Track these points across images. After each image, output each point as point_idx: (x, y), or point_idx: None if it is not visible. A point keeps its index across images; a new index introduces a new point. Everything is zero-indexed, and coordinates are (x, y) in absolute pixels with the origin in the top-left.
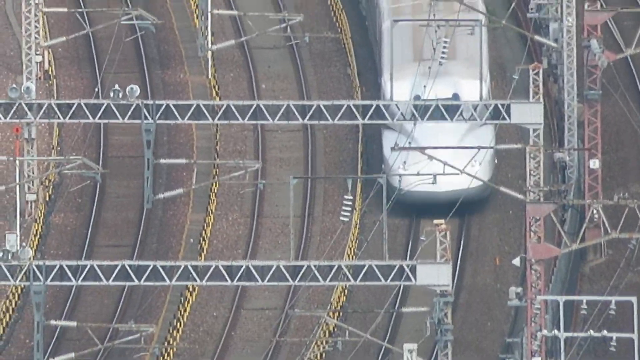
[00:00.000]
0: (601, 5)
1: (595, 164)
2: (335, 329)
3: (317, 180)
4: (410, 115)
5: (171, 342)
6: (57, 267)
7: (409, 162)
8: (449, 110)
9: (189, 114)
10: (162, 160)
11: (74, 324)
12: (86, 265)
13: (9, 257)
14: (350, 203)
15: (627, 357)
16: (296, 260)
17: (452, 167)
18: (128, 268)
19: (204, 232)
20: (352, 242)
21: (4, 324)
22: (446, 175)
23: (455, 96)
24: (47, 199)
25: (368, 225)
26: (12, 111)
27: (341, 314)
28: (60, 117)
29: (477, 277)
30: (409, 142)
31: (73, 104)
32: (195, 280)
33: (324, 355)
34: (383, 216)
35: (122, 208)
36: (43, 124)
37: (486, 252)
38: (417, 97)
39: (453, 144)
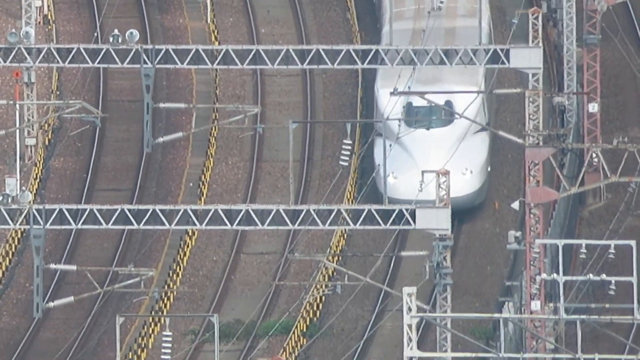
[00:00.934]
0: None
1: (594, 107)
2: (335, 273)
3: (316, 125)
4: (409, 60)
5: (171, 285)
6: (56, 211)
7: (398, 171)
8: (448, 55)
9: (188, 59)
10: (162, 105)
11: (73, 267)
12: (86, 209)
13: (9, 201)
14: (349, 147)
15: (626, 300)
16: (295, 205)
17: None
18: (127, 212)
19: (203, 176)
20: (351, 186)
21: (4, 268)
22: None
23: (448, 103)
24: (47, 143)
25: (367, 170)
26: (12, 56)
27: (340, 258)
28: (60, 61)
29: (476, 221)
30: (399, 149)
31: (72, 48)
32: (194, 224)
33: (323, 299)
34: (382, 161)
35: (122, 152)
36: (42, 69)
37: (485, 196)
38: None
39: (444, 152)
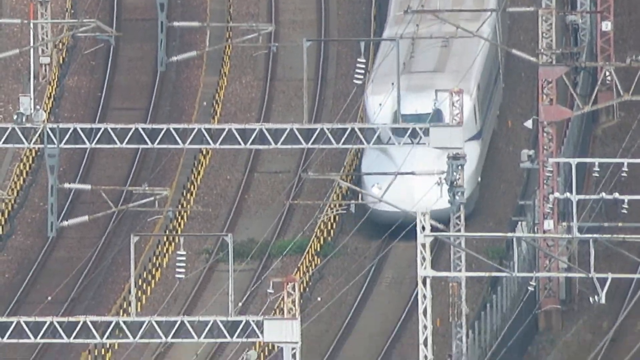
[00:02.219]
0: None
1: (607, 26)
2: (349, 192)
3: (330, 43)
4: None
5: (185, 205)
6: (70, 130)
7: (383, 182)
8: None
9: None
10: (176, 23)
11: (87, 187)
12: (100, 128)
13: (23, 120)
14: (363, 66)
15: (639, 219)
16: (309, 123)
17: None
18: (142, 131)
19: (217, 95)
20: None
21: (18, 187)
22: (419, 194)
23: (438, 112)
24: (61, 62)
25: None
26: None
27: (354, 177)
28: None
29: (489, 140)
30: (386, 158)
31: None
32: (208, 143)
33: (336, 218)
34: (396, 79)
35: (136, 71)
36: None
37: (499, 114)
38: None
39: (432, 162)
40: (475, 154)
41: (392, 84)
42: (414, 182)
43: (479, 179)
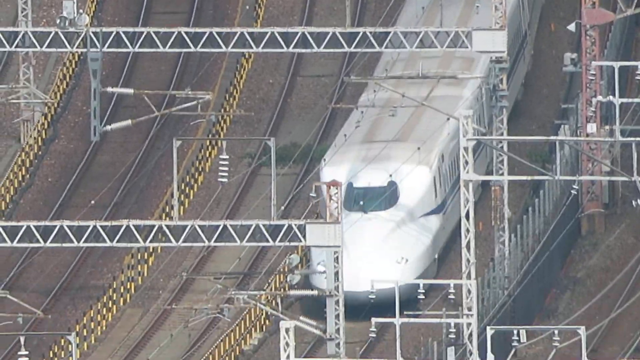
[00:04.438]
0: None
1: None
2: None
3: None
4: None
5: (227, 109)
6: (113, 34)
7: (328, 260)
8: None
9: None
10: None
11: (130, 91)
12: (143, 32)
13: (66, 24)
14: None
15: None
16: (352, 27)
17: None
18: (184, 35)
19: None
20: None
21: (62, 91)
22: (368, 273)
23: (392, 184)
24: None
25: None
26: None
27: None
28: None
29: (533, 44)
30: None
31: None
32: (251, 47)
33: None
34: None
35: None
36: None
37: (542, 18)
38: None
39: (381, 238)
40: (433, 229)
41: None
42: (360, 263)
43: (436, 256)
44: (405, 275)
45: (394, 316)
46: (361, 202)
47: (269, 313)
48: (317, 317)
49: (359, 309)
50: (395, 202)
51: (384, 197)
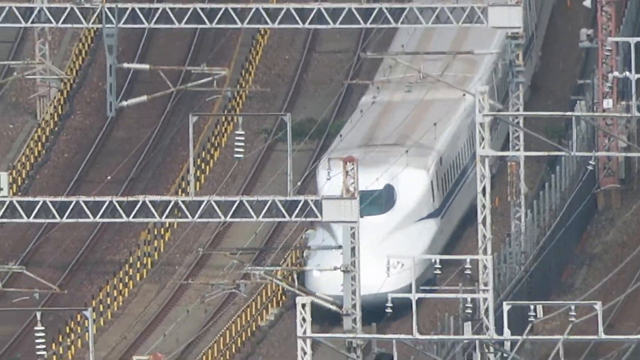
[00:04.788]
0: None
1: None
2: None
3: None
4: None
5: (243, 85)
6: (129, 10)
7: (324, 263)
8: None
9: None
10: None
11: (146, 66)
12: (158, 8)
13: (82, 0)
14: None
15: None
16: (368, 3)
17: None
18: (200, 11)
19: None
20: None
21: (77, 67)
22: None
23: (388, 187)
24: None
25: None
26: None
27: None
28: None
29: (548, 20)
30: (330, 238)
31: None
32: (266, 22)
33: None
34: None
35: None
36: None
37: None
38: None
39: (377, 242)
40: (428, 235)
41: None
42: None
43: (435, 260)
44: (400, 280)
45: (390, 319)
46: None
47: (285, 289)
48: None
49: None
50: (392, 206)
51: (381, 200)
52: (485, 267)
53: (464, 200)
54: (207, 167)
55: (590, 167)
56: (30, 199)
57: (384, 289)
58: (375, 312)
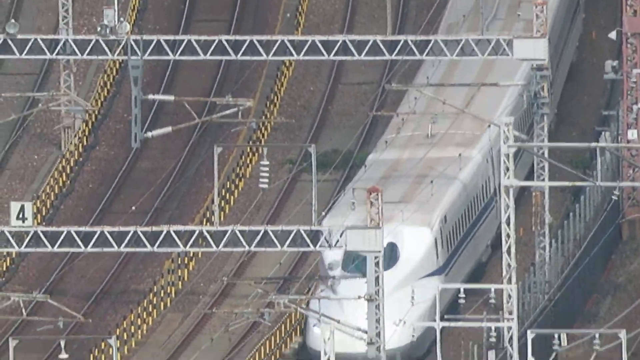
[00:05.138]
0: None
1: None
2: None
3: None
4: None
5: (268, 116)
6: (154, 42)
7: (325, 322)
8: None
9: None
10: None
11: (171, 98)
12: (183, 40)
13: (107, 32)
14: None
15: None
16: (393, 35)
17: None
18: (225, 43)
19: (300, 7)
20: None
21: (102, 98)
22: (364, 334)
23: (391, 245)
24: None
25: None
26: None
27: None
28: None
29: (574, 52)
30: (333, 296)
31: None
32: (292, 54)
33: None
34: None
35: None
36: None
37: (583, 26)
38: None
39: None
40: (432, 292)
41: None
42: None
43: (437, 318)
44: (403, 336)
45: None
46: (359, 264)
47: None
48: None
49: None
50: (395, 263)
51: (384, 258)
52: (509, 296)
53: (470, 257)
54: (232, 198)
55: (614, 198)
56: (54, 229)
57: (389, 346)
58: None
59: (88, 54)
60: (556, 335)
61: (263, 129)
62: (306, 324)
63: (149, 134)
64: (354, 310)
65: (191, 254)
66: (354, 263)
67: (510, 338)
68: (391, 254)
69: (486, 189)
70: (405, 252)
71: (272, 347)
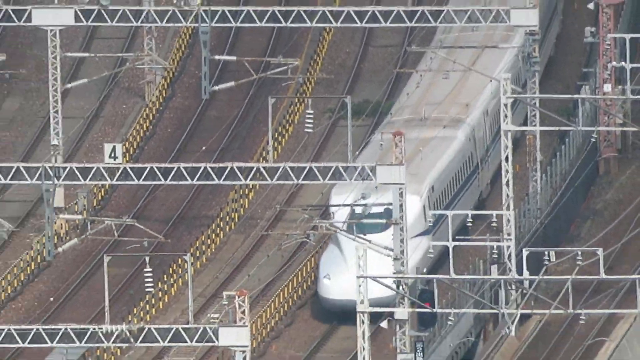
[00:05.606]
0: None
1: None
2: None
3: None
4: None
5: (312, 73)
6: (220, 11)
7: (332, 273)
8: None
9: None
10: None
11: (233, 58)
12: (243, 10)
13: (182, 4)
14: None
15: None
16: (413, 6)
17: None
18: (277, 12)
19: None
20: None
21: (178, 58)
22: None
23: (387, 210)
24: None
25: None
26: None
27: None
28: None
29: (559, 21)
30: (339, 252)
31: None
32: (331, 22)
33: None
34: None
35: None
36: None
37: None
38: None
39: (378, 256)
40: (421, 250)
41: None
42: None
43: (425, 270)
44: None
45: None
46: (362, 224)
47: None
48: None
49: (351, 312)
50: (390, 225)
51: (381, 221)
52: (508, 220)
53: (453, 221)
54: (283, 140)
55: (593, 139)
56: (140, 165)
57: (386, 293)
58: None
59: (166, 22)
60: (546, 253)
61: (308, 83)
62: (317, 275)
63: (216, 88)
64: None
65: (250, 186)
66: (359, 225)
67: (509, 255)
68: (387, 218)
69: (469, 164)
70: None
71: (317, 262)
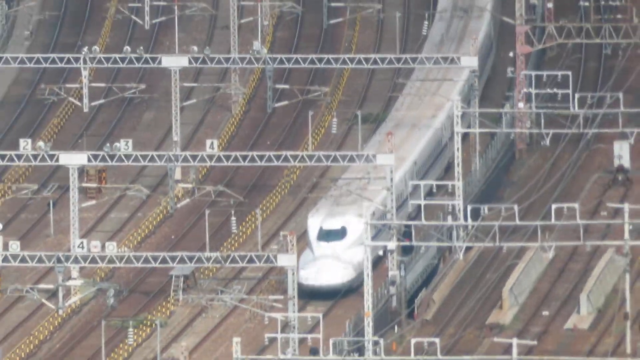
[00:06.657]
0: None
1: None
2: None
3: None
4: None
5: (336, 95)
6: (279, 58)
7: (306, 266)
8: None
9: None
10: None
11: (287, 86)
12: (293, 57)
13: (255, 53)
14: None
15: None
16: (400, 54)
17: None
18: (315, 59)
19: None
20: None
21: (252, 86)
22: (325, 274)
23: (343, 228)
24: None
25: None
26: None
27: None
28: None
29: (491, 65)
30: (311, 254)
31: None
32: (348, 64)
33: None
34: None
35: None
36: None
37: (496, 49)
38: None
39: (334, 256)
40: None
41: (321, 211)
42: (324, 267)
43: (369, 266)
44: (347, 274)
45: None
46: (325, 236)
47: None
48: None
49: (323, 294)
50: (344, 236)
51: (339, 234)
52: (458, 187)
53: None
54: (318, 137)
55: (512, 137)
56: (228, 153)
57: (340, 280)
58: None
59: (245, 64)
60: (482, 208)
61: (333, 102)
62: (297, 267)
63: (276, 105)
64: (323, 260)
65: (297, 166)
66: (324, 236)
67: (459, 209)
68: (343, 232)
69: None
70: (350, 231)
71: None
